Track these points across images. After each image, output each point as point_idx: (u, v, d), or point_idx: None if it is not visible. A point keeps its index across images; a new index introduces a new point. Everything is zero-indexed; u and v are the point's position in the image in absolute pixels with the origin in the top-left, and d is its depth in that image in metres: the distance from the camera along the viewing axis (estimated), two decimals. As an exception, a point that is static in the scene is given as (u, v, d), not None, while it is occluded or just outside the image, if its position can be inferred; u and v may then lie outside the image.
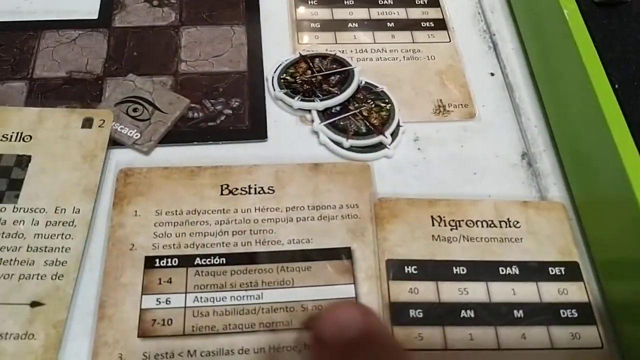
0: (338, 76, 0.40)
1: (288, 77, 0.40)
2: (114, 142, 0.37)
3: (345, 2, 0.46)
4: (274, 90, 0.40)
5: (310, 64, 0.41)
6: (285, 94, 0.39)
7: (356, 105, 0.39)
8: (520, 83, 0.43)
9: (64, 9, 0.44)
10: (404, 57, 0.43)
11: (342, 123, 0.38)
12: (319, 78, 0.40)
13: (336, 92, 0.39)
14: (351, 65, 0.41)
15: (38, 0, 0.45)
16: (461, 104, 0.41)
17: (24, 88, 0.39)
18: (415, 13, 0.46)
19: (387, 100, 0.40)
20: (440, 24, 0.46)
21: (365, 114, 0.39)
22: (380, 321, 0.30)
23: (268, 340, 0.31)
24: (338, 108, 0.39)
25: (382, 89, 0.40)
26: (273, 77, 0.40)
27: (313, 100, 0.39)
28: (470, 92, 0.42)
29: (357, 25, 0.45)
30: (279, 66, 0.41)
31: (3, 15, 0.44)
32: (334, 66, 0.41)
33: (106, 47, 0.42)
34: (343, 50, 0.43)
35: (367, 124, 0.38)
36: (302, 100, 0.39)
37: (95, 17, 0.44)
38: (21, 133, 0.37)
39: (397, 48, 0.44)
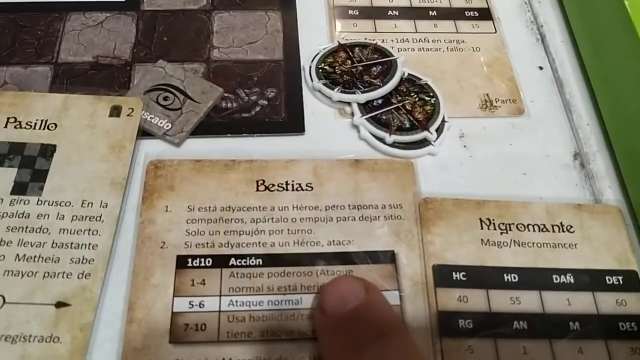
0: (380, 67, 0.38)
1: (327, 67, 0.38)
2: (144, 133, 0.35)
3: (385, -11, 0.44)
4: (312, 80, 0.37)
5: (350, 53, 0.39)
6: (324, 84, 0.37)
7: (399, 98, 0.37)
8: (570, 78, 0.40)
9: (91, -10, 0.42)
10: (447, 47, 0.41)
11: (384, 117, 0.36)
12: (359, 69, 0.38)
13: (378, 84, 0.37)
14: (393, 56, 0.38)
15: (64, -19, 0.43)
16: (509, 99, 0.39)
17: (48, 73, 0.37)
18: (458, 1, 0.44)
19: (431, 94, 0.37)
20: (485, 14, 0.43)
21: (408, 108, 0.37)
22: (381, 295, 0.29)
23: (308, 349, 0.29)
24: (380, 101, 0.37)
25: (426, 81, 0.38)
26: (310, 67, 0.38)
27: (354, 92, 0.37)
28: (518, 87, 0.39)
29: (397, 13, 0.43)
30: (316, 55, 0.39)
31: (27, -4, 0.42)
32: (375, 56, 0.39)
33: (134, 31, 0.40)
34: (383, 40, 0.41)
35: (411, 118, 0.36)
36: (342, 91, 0.37)
37: (123, -1, 0.42)
38: (46, 121, 0.35)
39: (440, 38, 0.42)
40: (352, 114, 0.36)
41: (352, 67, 0.38)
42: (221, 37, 0.40)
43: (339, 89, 0.37)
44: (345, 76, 0.37)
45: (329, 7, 0.43)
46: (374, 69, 0.38)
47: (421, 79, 0.38)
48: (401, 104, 0.37)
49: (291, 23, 0.41)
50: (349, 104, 0.37)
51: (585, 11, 0.41)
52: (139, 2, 0.42)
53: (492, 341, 0.30)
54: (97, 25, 0.40)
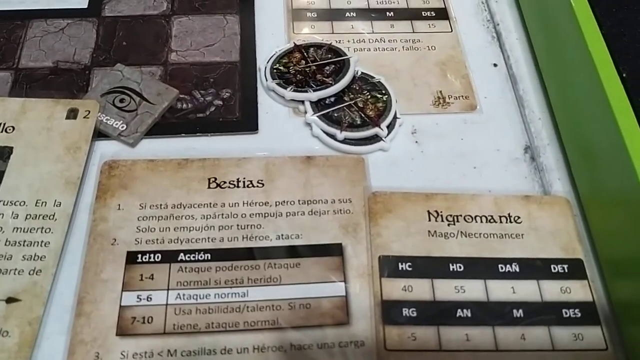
0: (333, 66, 0.39)
1: (281, 67, 0.39)
2: (100, 134, 0.36)
3: (342, -9, 0.45)
4: (266, 80, 0.38)
5: (305, 53, 0.39)
6: (278, 84, 0.38)
7: (351, 96, 0.38)
8: (524, 74, 0.41)
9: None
10: (403, 47, 0.42)
11: (336, 114, 0.37)
12: (312, 68, 0.38)
13: (330, 82, 0.37)
14: (347, 55, 0.39)
15: (27, -10, 0.44)
16: (462, 96, 0.39)
17: (9, 78, 0.38)
18: (416, 2, 0.45)
19: (383, 92, 0.38)
20: (442, 14, 0.44)
21: (360, 105, 0.37)
22: None
23: (252, 340, 0.29)
24: (332, 99, 0.38)
25: (379, 79, 0.39)
26: (265, 68, 0.39)
27: (306, 91, 0.37)
28: (472, 84, 0.40)
29: (355, 15, 0.43)
30: (272, 56, 0.40)
31: (-10, 5, 0.43)
32: (330, 56, 0.39)
33: (95, 37, 0.41)
34: (340, 40, 0.41)
35: (362, 115, 0.37)
36: (294, 90, 0.37)
37: (85, 6, 0.43)
38: (4, 124, 0.35)
39: (396, 38, 0.42)
40: (305, 112, 0.37)
41: (305, 67, 0.39)
42: (179, 40, 0.41)
43: (291, 88, 0.37)
44: (298, 75, 0.38)
45: (287, 9, 0.43)
46: (327, 68, 0.38)
47: (374, 77, 0.39)
48: (353, 101, 0.37)
49: (249, 26, 0.42)
50: (302, 102, 0.37)
51: (539, 9, 0.41)
52: (101, 8, 0.42)
53: (435, 329, 0.30)
54: (59, 31, 0.41)
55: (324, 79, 0.38)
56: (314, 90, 0.37)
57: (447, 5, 0.45)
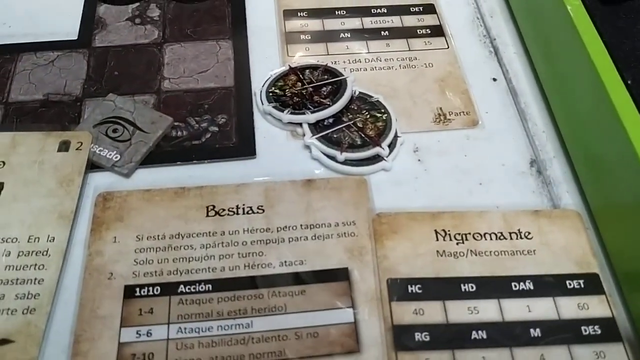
0: (330, 87, 0.38)
1: (277, 91, 0.38)
2: (93, 166, 0.35)
3: (336, 13, 0.44)
4: (262, 104, 0.37)
5: (301, 75, 0.39)
6: (274, 107, 0.37)
7: (350, 116, 0.37)
8: (524, 87, 0.40)
9: (43, 32, 0.42)
10: (400, 65, 0.41)
11: (335, 136, 0.36)
12: (309, 90, 0.38)
13: (328, 103, 0.37)
14: (343, 75, 0.38)
15: (16, 24, 0.43)
16: (462, 112, 0.38)
17: (-2, 113, 0.37)
18: (410, 20, 0.44)
19: (382, 110, 0.37)
20: (438, 31, 0.43)
21: (360, 125, 0.36)
22: None
23: (259, 372, 0.28)
24: (331, 120, 0.37)
25: (377, 98, 0.38)
26: (261, 91, 0.38)
27: (303, 113, 0.36)
28: (472, 99, 0.39)
29: (349, 35, 0.43)
30: (267, 80, 0.39)
31: (-21, 41, 0.42)
32: (326, 77, 0.38)
33: (85, 68, 0.40)
34: (336, 61, 0.41)
35: (362, 135, 0.36)
36: (292, 113, 0.36)
37: (75, 37, 0.42)
38: (-6, 159, 0.34)
39: (393, 57, 0.42)
40: (304, 135, 0.36)
41: (302, 89, 0.38)
42: (172, 68, 0.40)
43: (288, 111, 0.36)
44: (295, 98, 0.37)
45: (281, 32, 0.43)
46: (324, 89, 0.38)
47: (372, 97, 0.38)
48: (352, 121, 0.37)
49: (242, 51, 0.41)
50: (300, 125, 0.36)
51: (535, 22, 0.41)
52: (91, 39, 0.42)
53: (449, 353, 0.29)
54: (48, 64, 0.40)
55: (321, 100, 0.37)
56: (312, 112, 0.36)
57: (442, 22, 0.44)
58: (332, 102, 0.37)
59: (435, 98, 0.39)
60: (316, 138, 0.36)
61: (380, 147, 0.35)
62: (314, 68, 0.39)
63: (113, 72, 0.40)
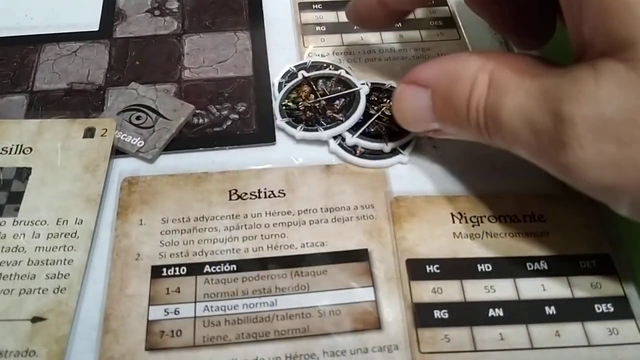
0: (343, 100, 0.38)
1: (290, 104, 0.38)
2: (118, 152, 0.36)
3: (350, 5, 0.45)
4: (276, 119, 0.38)
5: (314, 86, 0.39)
6: (288, 123, 0.37)
7: (375, 108, 0.38)
8: (536, 77, 0.41)
9: (65, 23, 0.43)
10: (413, 55, 0.42)
11: (372, 130, 0.37)
12: (322, 103, 0.38)
13: (341, 119, 0.37)
14: (357, 87, 0.39)
15: (38, 16, 0.44)
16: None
17: (24, 101, 0.38)
18: (422, 12, 0.45)
19: (400, 96, 0.38)
20: (449, 22, 0.44)
21: (388, 113, 0.37)
22: None
23: (284, 348, 0.29)
24: (361, 116, 0.37)
25: (389, 84, 0.39)
26: (277, 105, 0.38)
27: (316, 130, 0.37)
28: (485, 88, 0.40)
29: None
30: (281, 89, 0.39)
31: (2, 32, 0.43)
32: (339, 88, 0.39)
33: (107, 58, 0.41)
34: (350, 52, 0.42)
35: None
36: (305, 129, 0.37)
37: (96, 28, 0.43)
38: (21, 145, 0.35)
39: (406, 47, 0.42)
40: (344, 139, 0.36)
41: (315, 102, 0.38)
42: (192, 58, 0.41)
43: (301, 127, 0.37)
44: (308, 112, 0.38)
45: (297, 24, 0.44)
46: (337, 102, 0.38)
47: (385, 84, 0.39)
48: (380, 112, 0.37)
49: (260, 41, 0.42)
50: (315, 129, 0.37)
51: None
52: (112, 30, 0.43)
53: (468, 329, 0.30)
54: (71, 54, 0.41)
55: (334, 115, 0.37)
56: (325, 129, 0.37)
57: (453, 13, 0.45)
58: (345, 117, 0.37)
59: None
60: (357, 137, 0.36)
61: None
62: (327, 77, 0.39)
63: (134, 62, 0.41)
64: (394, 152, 0.36)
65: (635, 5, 0.22)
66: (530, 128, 0.25)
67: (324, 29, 0.44)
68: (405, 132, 0.36)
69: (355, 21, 0.38)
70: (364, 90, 0.38)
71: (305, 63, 0.41)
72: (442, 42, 0.43)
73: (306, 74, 0.39)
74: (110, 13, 0.44)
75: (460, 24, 0.44)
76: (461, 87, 0.28)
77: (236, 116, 0.38)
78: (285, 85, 0.39)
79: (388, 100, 0.38)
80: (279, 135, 0.37)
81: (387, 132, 0.36)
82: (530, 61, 0.27)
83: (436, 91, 0.30)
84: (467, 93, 0.28)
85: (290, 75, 0.40)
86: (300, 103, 0.38)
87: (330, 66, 0.40)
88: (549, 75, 0.25)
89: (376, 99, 0.38)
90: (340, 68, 0.40)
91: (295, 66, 0.40)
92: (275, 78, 0.40)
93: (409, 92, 0.31)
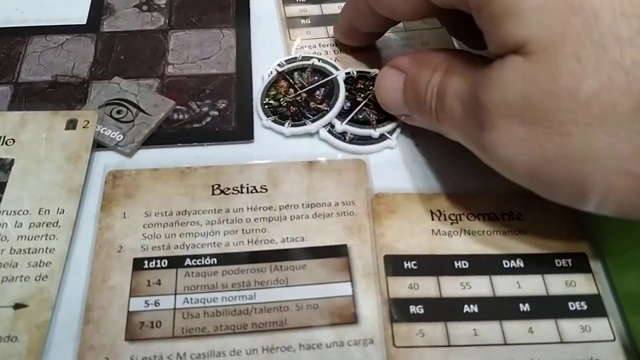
0: (323, 89, 0.39)
1: (272, 102, 0.38)
2: (99, 145, 0.36)
3: (333, -3, 0.46)
4: (261, 119, 0.38)
5: (291, 80, 0.39)
6: (274, 121, 0.37)
7: (362, 95, 0.38)
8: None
9: (55, 17, 0.43)
10: (398, 45, 0.43)
11: (360, 116, 0.37)
12: (303, 96, 0.38)
13: (325, 108, 0.37)
14: (333, 74, 0.39)
15: (29, 10, 0.44)
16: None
17: (8, 92, 0.38)
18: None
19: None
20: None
21: (374, 100, 0.37)
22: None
23: (261, 341, 0.29)
24: (348, 104, 0.38)
25: (374, 72, 0.39)
26: (257, 105, 0.39)
27: (304, 123, 0.37)
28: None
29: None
30: (260, 90, 0.39)
31: (-8, 25, 0.43)
32: (316, 78, 0.39)
33: (93, 51, 0.41)
34: (337, 43, 0.42)
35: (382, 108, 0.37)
36: (292, 125, 0.37)
37: (84, 22, 0.43)
38: (4, 137, 0.35)
39: (390, 37, 0.43)
40: (333, 126, 0.37)
41: (296, 96, 0.39)
42: (176, 54, 0.41)
43: (289, 123, 0.37)
44: (292, 107, 0.38)
45: (282, 18, 0.44)
46: (317, 92, 0.39)
47: (370, 72, 0.39)
48: (367, 99, 0.38)
49: (245, 39, 0.42)
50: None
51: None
52: (99, 24, 0.43)
53: (442, 325, 0.30)
54: (58, 46, 0.41)
55: (318, 105, 0.38)
56: (312, 121, 0.37)
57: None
58: (329, 106, 0.37)
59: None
60: (346, 124, 0.37)
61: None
62: (302, 69, 0.40)
63: (119, 57, 0.41)
64: (381, 138, 0.37)
65: (524, 11, 0.25)
66: (463, 109, 0.29)
67: (309, 22, 0.44)
68: (392, 118, 0.37)
69: (340, 39, 0.42)
70: (341, 76, 0.39)
71: (295, 58, 0.41)
72: (424, 30, 0.44)
73: (279, 69, 0.40)
74: (99, 7, 0.44)
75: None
76: (424, 73, 0.32)
77: (216, 113, 0.38)
78: (264, 84, 0.40)
79: (373, 87, 0.38)
80: (258, 132, 0.37)
81: (375, 119, 0.37)
82: (476, 57, 0.31)
83: (407, 76, 0.34)
84: (427, 78, 0.32)
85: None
86: (281, 99, 0.38)
87: (302, 57, 0.41)
88: (480, 66, 0.28)
89: (362, 86, 0.39)
90: (312, 57, 0.41)
91: (286, 60, 0.41)
92: (265, 73, 0.40)
93: (388, 74, 0.35)
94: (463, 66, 0.30)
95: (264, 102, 0.38)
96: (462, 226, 0.34)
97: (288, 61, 0.41)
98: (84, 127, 0.36)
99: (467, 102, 0.29)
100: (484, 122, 0.27)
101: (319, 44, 0.42)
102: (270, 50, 0.42)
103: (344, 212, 0.34)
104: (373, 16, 0.35)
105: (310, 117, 0.37)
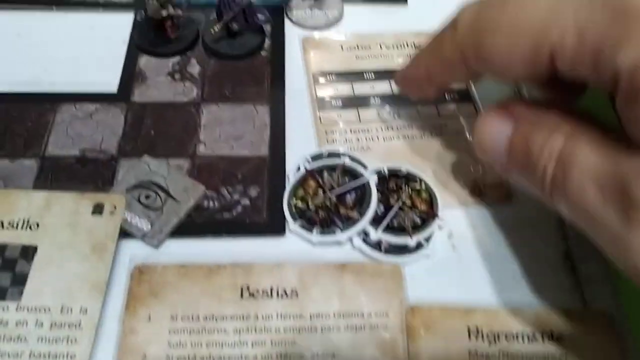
0: (354, 193, 0.37)
1: (299, 203, 0.37)
2: (125, 232, 0.35)
3: (364, 76, 0.44)
4: (288, 222, 0.36)
5: (320, 179, 0.38)
6: (302, 226, 0.36)
7: (395, 197, 0.37)
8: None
9: (85, 81, 0.42)
10: (430, 133, 0.41)
11: (395, 223, 0.36)
12: (333, 201, 0.37)
13: (357, 217, 0.36)
14: (363, 174, 0.37)
15: (58, 72, 0.43)
16: (497, 183, 0.38)
17: (34, 166, 0.37)
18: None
19: (417, 179, 0.37)
20: (465, 96, 0.43)
21: (409, 203, 0.36)
22: None
23: None
24: (382, 208, 0.36)
25: (406, 169, 0.38)
26: (285, 204, 0.37)
27: (334, 232, 0.35)
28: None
29: (379, 101, 0.43)
30: (287, 189, 0.37)
31: (21, 86, 0.42)
32: (346, 179, 0.37)
33: (123, 124, 0.40)
34: (367, 129, 0.41)
35: (417, 212, 0.36)
36: (321, 233, 0.35)
37: (115, 89, 0.42)
38: (28, 220, 0.34)
39: (423, 124, 0.41)
40: (368, 235, 0.35)
41: (325, 200, 0.37)
42: (208, 130, 0.40)
43: (317, 230, 0.35)
44: (320, 212, 0.36)
45: (312, 99, 0.43)
46: (348, 197, 0.37)
47: (401, 169, 0.38)
48: (401, 202, 0.36)
49: (279, 117, 0.41)
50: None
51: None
52: (130, 92, 0.42)
53: None
54: (87, 116, 0.40)
55: (349, 213, 0.36)
56: (342, 230, 0.35)
57: (469, 86, 0.44)
58: (360, 214, 0.36)
59: (469, 168, 0.39)
60: (382, 232, 0.35)
61: (438, 217, 0.36)
62: (331, 168, 0.38)
63: (149, 131, 0.39)
64: (418, 246, 0.35)
65: None
66: (601, 195, 0.25)
67: (340, 103, 0.42)
68: (426, 223, 0.35)
69: (404, 88, 0.39)
70: (373, 180, 0.37)
71: (322, 154, 0.39)
72: (459, 118, 0.42)
73: (309, 167, 0.38)
74: (131, 73, 0.43)
75: (476, 97, 0.43)
76: (541, 130, 0.28)
77: (247, 202, 0.37)
78: (290, 180, 0.38)
79: (407, 188, 0.37)
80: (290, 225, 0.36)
81: (411, 225, 0.36)
82: (599, 121, 0.27)
83: (518, 127, 0.30)
84: (544, 138, 0.28)
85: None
86: (309, 202, 0.37)
87: (328, 153, 0.39)
88: (616, 140, 0.25)
89: (394, 187, 0.37)
90: (344, 155, 0.38)
91: (312, 157, 0.39)
92: (292, 169, 0.38)
93: (493, 117, 0.31)
94: (591, 133, 0.26)
95: (291, 202, 0.37)
96: (500, 347, 0.32)
97: (315, 157, 0.39)
98: (111, 213, 0.35)
99: (608, 187, 0.25)
100: (632, 219, 0.24)
101: (350, 130, 0.41)
102: (303, 132, 0.41)
103: (377, 325, 0.32)
104: (462, 70, 0.32)
105: (340, 224, 0.36)
